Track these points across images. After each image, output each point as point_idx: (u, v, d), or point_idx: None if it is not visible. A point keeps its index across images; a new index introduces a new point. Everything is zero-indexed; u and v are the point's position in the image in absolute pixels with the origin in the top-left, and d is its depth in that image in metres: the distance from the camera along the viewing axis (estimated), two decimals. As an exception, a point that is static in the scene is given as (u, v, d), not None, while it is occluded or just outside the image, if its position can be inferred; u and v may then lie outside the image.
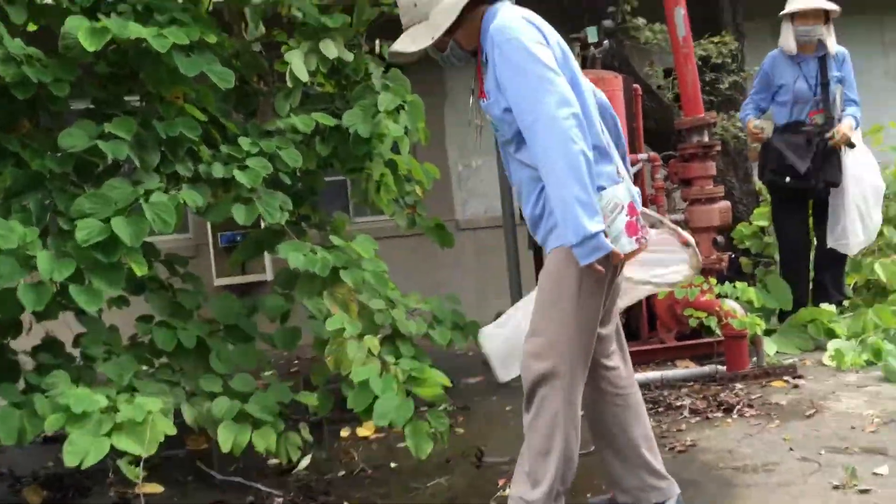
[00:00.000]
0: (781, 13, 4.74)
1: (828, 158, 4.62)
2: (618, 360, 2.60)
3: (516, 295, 5.39)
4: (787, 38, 4.72)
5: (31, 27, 3.58)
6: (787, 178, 4.69)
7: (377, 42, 4.07)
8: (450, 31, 2.43)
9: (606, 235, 2.25)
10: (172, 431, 2.75)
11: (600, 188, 2.30)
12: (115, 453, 2.64)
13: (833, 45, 4.72)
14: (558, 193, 2.21)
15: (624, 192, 2.34)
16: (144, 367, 3.29)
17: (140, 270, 3.00)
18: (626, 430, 2.55)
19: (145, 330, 3.34)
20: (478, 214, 8.13)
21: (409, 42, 2.47)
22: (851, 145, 4.68)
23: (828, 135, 4.63)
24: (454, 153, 8.14)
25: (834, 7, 4.62)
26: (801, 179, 4.63)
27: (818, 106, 4.75)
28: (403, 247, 7.44)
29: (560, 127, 2.19)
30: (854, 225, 4.64)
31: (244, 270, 7.30)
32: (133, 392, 2.95)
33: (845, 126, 4.66)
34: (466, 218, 8.18)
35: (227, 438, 3.05)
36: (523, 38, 2.28)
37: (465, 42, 2.49)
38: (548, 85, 2.23)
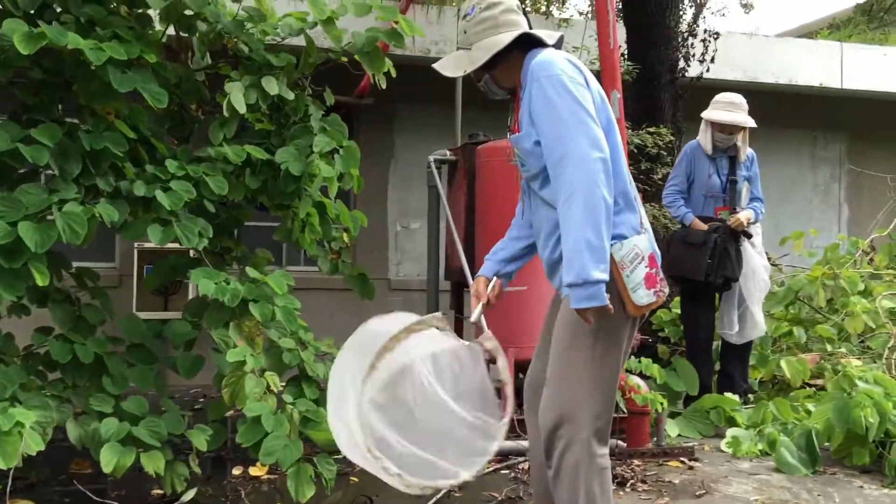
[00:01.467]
0: (703, 115, 4.94)
1: (726, 255, 4.78)
2: None
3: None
4: (706, 140, 4.93)
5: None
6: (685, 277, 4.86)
7: (326, 87, 4.15)
8: (487, 68, 2.50)
9: (609, 290, 2.21)
10: (40, 447, 2.66)
11: (622, 237, 2.31)
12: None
13: (745, 151, 4.96)
14: (571, 232, 2.20)
15: (646, 243, 2.34)
16: (35, 381, 3.19)
17: (42, 280, 2.95)
18: None
19: (41, 341, 3.26)
20: (410, 276, 8.16)
21: (450, 65, 2.55)
22: (748, 235, 4.88)
23: (726, 217, 4.82)
24: (394, 213, 8.20)
25: (752, 125, 4.86)
26: (699, 277, 4.77)
27: (724, 202, 4.96)
28: (333, 300, 7.41)
29: (588, 168, 2.20)
30: (734, 317, 4.84)
31: (166, 307, 7.16)
32: (15, 403, 2.86)
33: (743, 214, 4.87)
34: (399, 278, 8.20)
35: (109, 460, 2.96)
36: (564, 76, 2.30)
37: (502, 79, 2.54)
38: (582, 126, 2.24)
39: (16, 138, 3.03)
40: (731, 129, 4.87)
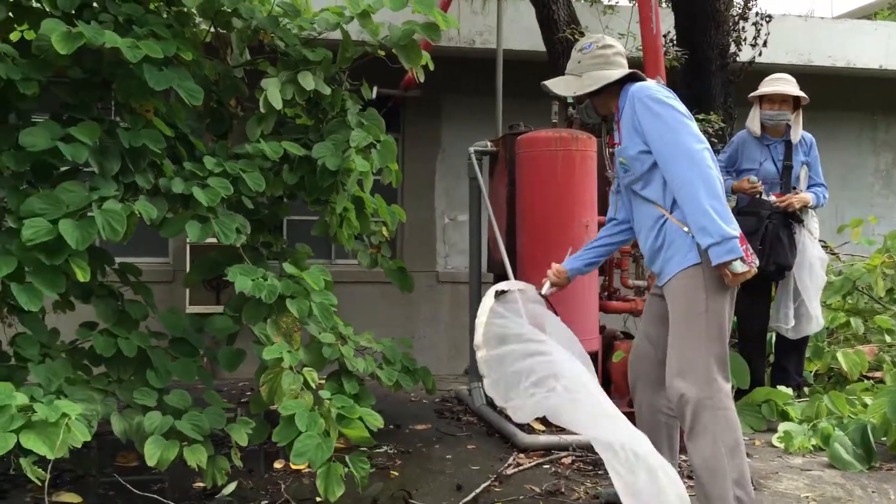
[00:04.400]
0: (750, 95, 4.80)
1: (778, 241, 4.58)
2: None
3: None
4: (753, 120, 4.77)
5: (15, 36, 3.68)
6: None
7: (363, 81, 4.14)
8: (592, 94, 3.00)
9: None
10: (87, 438, 2.70)
11: None
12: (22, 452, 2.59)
13: (798, 132, 4.77)
14: (698, 206, 2.63)
15: (736, 224, 2.70)
16: (80, 375, 3.26)
17: (82, 276, 3.00)
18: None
19: (86, 335, 3.33)
20: (459, 268, 8.12)
21: (561, 86, 3.04)
22: (798, 219, 4.66)
23: (776, 199, 4.64)
24: (441, 206, 8.18)
25: (801, 94, 4.68)
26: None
27: (780, 189, 4.77)
28: (383, 294, 7.42)
29: (699, 157, 2.67)
30: (790, 311, 4.65)
31: (218, 301, 7.26)
32: (61, 397, 2.92)
33: (797, 197, 4.65)
34: (447, 270, 8.18)
35: (153, 453, 3.00)
36: (660, 94, 2.80)
37: (600, 106, 3.05)
38: (684, 127, 2.72)
39: (56, 137, 3.09)
40: (779, 104, 4.69)
